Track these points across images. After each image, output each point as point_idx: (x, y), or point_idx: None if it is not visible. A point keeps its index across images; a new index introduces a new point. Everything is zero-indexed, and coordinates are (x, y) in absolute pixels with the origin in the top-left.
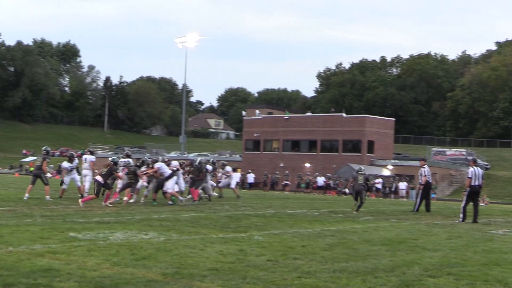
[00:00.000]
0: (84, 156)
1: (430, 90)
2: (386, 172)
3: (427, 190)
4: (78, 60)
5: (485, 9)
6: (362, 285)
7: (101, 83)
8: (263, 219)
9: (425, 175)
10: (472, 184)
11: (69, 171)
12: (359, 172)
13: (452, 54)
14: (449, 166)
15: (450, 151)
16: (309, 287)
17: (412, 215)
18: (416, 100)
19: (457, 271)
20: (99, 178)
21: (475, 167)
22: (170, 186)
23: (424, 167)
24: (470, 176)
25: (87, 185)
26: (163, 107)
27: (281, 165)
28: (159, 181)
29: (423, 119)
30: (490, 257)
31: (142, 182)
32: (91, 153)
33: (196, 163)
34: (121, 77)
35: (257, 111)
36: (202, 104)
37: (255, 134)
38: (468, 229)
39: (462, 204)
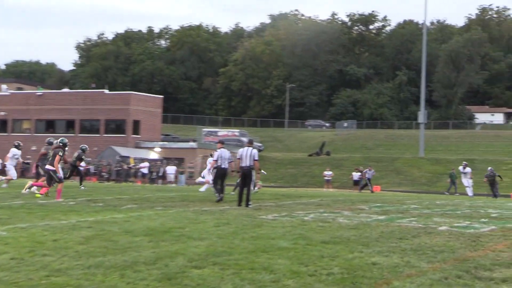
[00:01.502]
0: None
1: (201, 65)
2: (153, 155)
3: (219, 176)
4: None
5: None
6: (119, 280)
7: None
8: (8, 211)
9: (215, 159)
10: (240, 165)
11: None
12: None
13: (225, 26)
14: None
15: (223, 132)
16: (59, 286)
17: (179, 202)
18: (186, 75)
19: (223, 260)
20: (49, 166)
21: (245, 148)
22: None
23: (217, 151)
24: (238, 157)
25: None
26: None
27: (33, 148)
28: None
29: (194, 97)
30: (258, 243)
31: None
32: None
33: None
34: None
35: (4, 86)
36: None
37: (2, 113)
38: (238, 215)
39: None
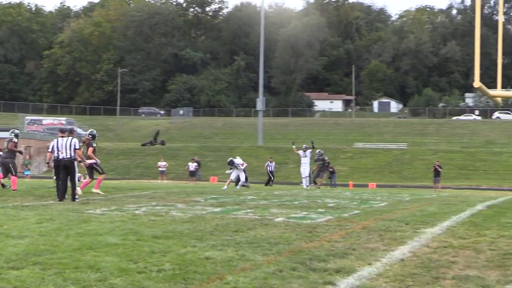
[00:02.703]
0: None
1: (23, 47)
2: None
3: (58, 168)
4: None
5: None
6: None
7: None
8: None
9: (50, 151)
10: (62, 157)
11: None
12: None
13: (49, 5)
14: (46, 138)
15: (48, 120)
16: None
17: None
18: (6, 58)
19: (45, 260)
20: (90, 160)
21: (65, 138)
22: None
23: (53, 141)
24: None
25: None
26: None
27: None
28: None
29: (16, 82)
30: (84, 240)
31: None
32: None
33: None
34: None
35: None
36: None
37: None
38: (63, 210)
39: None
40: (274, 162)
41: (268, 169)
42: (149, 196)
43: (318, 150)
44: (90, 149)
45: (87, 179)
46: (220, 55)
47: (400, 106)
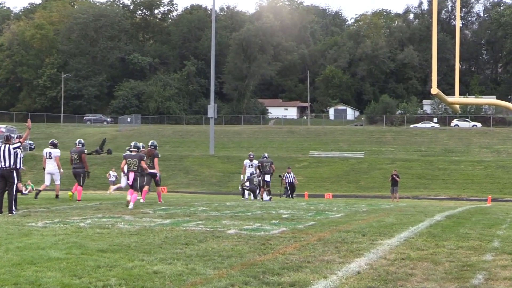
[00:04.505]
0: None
1: None
2: None
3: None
4: None
5: None
6: None
7: None
8: None
9: None
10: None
11: None
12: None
13: None
14: None
15: None
16: None
17: None
18: None
19: None
20: (154, 170)
21: (2, 146)
22: None
23: None
24: None
25: None
26: None
27: None
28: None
29: None
30: (25, 255)
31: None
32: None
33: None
34: None
35: None
36: None
37: None
38: (2, 223)
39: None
40: (292, 173)
41: (287, 181)
42: (95, 207)
43: (264, 154)
44: (156, 160)
45: (159, 188)
46: (169, 60)
47: (357, 113)
